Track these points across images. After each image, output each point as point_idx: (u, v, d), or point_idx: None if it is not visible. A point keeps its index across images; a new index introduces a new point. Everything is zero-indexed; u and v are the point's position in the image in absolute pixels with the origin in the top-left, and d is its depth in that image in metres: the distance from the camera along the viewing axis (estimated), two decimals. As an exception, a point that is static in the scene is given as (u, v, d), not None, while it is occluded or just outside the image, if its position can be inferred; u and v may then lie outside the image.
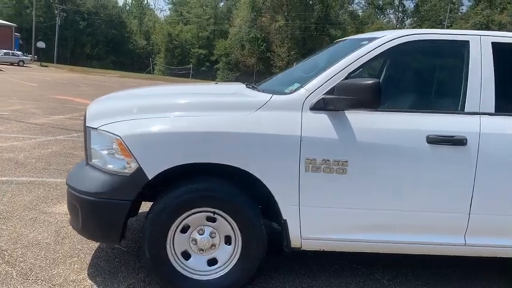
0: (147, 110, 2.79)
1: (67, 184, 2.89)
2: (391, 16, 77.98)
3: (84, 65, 60.69)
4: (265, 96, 2.83)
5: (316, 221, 2.81)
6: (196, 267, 2.84)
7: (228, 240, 2.84)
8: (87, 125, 2.83)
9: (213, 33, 74.89)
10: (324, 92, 2.75)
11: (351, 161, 2.71)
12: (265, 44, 63.24)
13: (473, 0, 64.51)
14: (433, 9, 67.59)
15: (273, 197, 2.73)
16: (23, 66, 41.84)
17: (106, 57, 74.98)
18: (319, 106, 2.74)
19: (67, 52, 71.90)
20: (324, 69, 2.90)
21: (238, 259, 2.82)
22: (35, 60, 50.74)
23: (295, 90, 2.86)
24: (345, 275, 3.35)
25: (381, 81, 3.10)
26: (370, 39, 2.98)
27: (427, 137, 2.74)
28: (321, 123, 2.72)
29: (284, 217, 2.78)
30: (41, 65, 46.22)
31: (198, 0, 77.97)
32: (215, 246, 2.84)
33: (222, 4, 79.18)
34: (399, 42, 2.90)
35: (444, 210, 2.84)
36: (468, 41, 2.93)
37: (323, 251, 2.98)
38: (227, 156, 2.67)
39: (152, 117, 2.72)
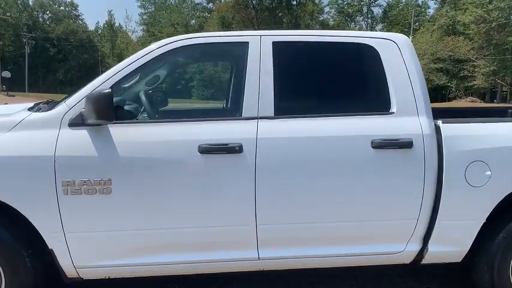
0: None
1: None
2: (362, 23, 79.34)
3: (57, 92, 59.99)
4: (22, 116, 2.60)
5: (88, 247, 2.58)
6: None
7: (-3, 274, 2.58)
8: None
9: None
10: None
11: (115, 180, 2.50)
12: (237, 59, 63.41)
13: (439, 3, 66.01)
14: (401, 13, 68.81)
15: (33, 225, 2.49)
16: (-13, 96, 41.04)
17: (79, 82, 74.24)
18: (78, 121, 2.53)
19: (39, 80, 71.13)
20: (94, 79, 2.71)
21: (4, 293, 2.57)
22: (2, 90, 49.95)
23: (58, 105, 2.65)
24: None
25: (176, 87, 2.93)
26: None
27: (199, 147, 2.54)
28: (79, 141, 2.50)
29: (50, 246, 2.54)
30: (8, 95, 45.43)
31: (169, 20, 78.21)
32: (-19, 282, 2.58)
33: (193, 22, 79.48)
34: (175, 47, 2.71)
35: (229, 223, 2.63)
36: (247, 42, 2.75)
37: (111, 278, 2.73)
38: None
39: None
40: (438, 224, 2.74)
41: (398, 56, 2.78)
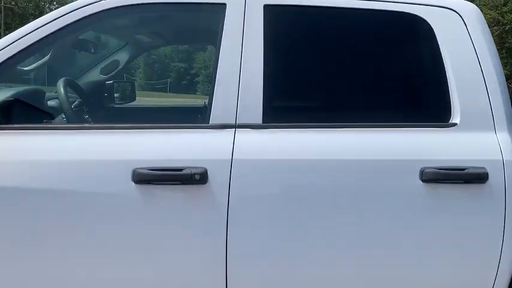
0: None
1: None
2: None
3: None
4: None
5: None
6: None
7: None
8: None
9: (193, 46, 74.22)
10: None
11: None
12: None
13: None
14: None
15: None
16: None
17: (85, 75, 74.01)
18: None
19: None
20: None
21: None
22: (5, 81, 49.54)
23: None
24: None
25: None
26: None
27: (134, 173, 1.53)
28: None
29: None
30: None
31: (177, 14, 77.56)
32: None
33: (201, 17, 78.73)
34: (104, 8, 1.68)
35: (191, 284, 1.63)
36: (224, 5, 1.72)
37: None
38: None
39: None
40: None
41: (464, 35, 1.74)
